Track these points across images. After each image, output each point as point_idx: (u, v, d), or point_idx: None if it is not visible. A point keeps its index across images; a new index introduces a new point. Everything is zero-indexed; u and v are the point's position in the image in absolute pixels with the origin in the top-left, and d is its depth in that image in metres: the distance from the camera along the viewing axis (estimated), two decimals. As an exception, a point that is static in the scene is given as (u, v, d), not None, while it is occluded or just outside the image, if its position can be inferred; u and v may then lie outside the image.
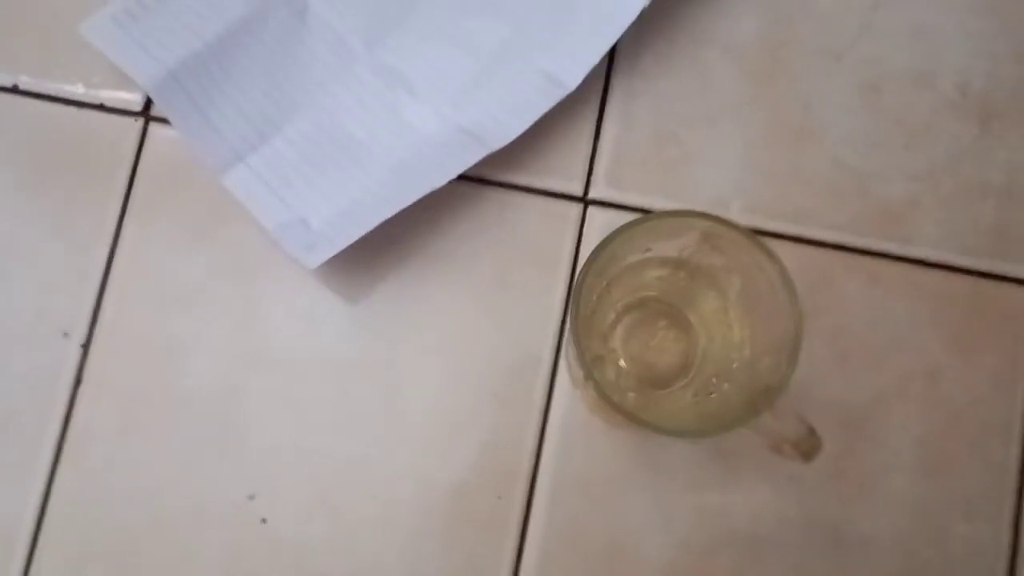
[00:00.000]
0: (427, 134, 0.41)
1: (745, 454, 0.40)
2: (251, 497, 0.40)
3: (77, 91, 0.43)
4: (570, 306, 0.30)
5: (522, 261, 0.41)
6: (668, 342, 0.37)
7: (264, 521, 0.39)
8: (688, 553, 0.39)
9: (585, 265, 0.30)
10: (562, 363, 0.40)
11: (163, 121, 0.43)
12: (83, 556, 0.40)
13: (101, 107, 0.43)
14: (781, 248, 0.36)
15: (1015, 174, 0.42)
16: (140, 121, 0.43)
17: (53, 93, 0.43)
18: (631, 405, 0.30)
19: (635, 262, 0.34)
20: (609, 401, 0.29)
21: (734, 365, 0.35)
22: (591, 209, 0.42)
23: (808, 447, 0.33)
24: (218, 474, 0.40)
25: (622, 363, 0.37)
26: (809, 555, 0.39)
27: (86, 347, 0.41)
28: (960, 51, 0.43)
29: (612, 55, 0.42)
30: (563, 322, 0.41)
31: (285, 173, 0.41)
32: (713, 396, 0.35)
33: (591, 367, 0.30)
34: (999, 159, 0.42)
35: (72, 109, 0.43)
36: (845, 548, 0.39)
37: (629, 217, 0.42)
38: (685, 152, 0.42)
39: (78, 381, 0.41)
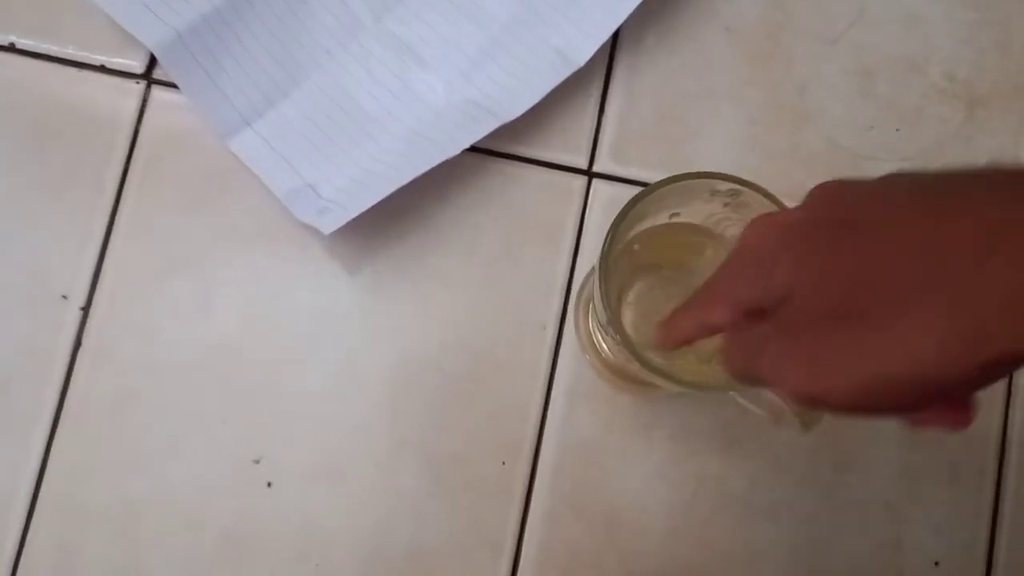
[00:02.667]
0: (436, 104, 0.42)
1: (743, 424, 0.41)
2: (257, 461, 0.40)
3: (77, 52, 0.42)
4: (599, 262, 0.31)
5: (527, 232, 0.42)
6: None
7: (270, 485, 0.39)
8: (688, 518, 0.40)
9: (615, 221, 0.31)
10: (567, 331, 0.41)
11: (165, 85, 0.42)
12: (82, 523, 0.39)
13: (102, 68, 0.42)
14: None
15: (997, 158, 0.44)
16: (142, 84, 0.42)
17: (52, 53, 0.42)
18: (649, 362, 0.31)
19: (657, 226, 0.34)
20: (631, 349, 0.30)
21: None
22: (595, 182, 0.43)
23: (809, 417, 0.34)
24: (222, 438, 0.40)
25: (631, 328, 0.38)
26: (803, 520, 0.40)
27: (86, 310, 0.40)
28: (948, 40, 0.45)
29: (616, 33, 0.43)
30: (568, 291, 0.42)
31: (293, 139, 0.41)
32: (716, 362, 0.36)
33: (619, 323, 0.31)
34: (983, 144, 0.44)
35: (72, 70, 0.42)
36: (837, 514, 0.41)
37: (632, 190, 0.42)
38: (686, 128, 0.43)
39: (77, 345, 0.40)
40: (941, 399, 0.23)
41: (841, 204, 0.24)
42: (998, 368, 0.21)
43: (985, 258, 0.20)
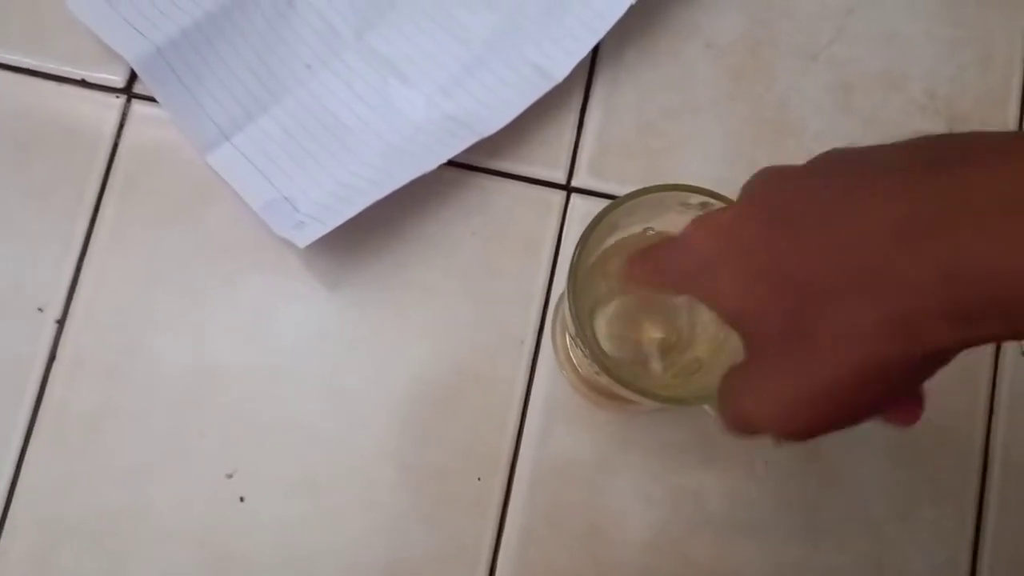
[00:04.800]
0: (416, 120, 0.42)
1: (722, 438, 0.40)
2: (230, 475, 0.39)
3: (58, 66, 0.43)
4: (568, 275, 0.31)
5: (505, 246, 0.42)
6: (653, 323, 0.38)
7: (242, 500, 0.39)
8: (666, 534, 0.40)
9: (584, 233, 0.31)
10: (544, 345, 0.41)
11: (146, 99, 0.42)
12: (55, 536, 0.39)
13: (83, 83, 0.43)
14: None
15: (979, 174, 0.44)
16: (122, 99, 0.43)
17: (34, 67, 0.42)
18: (617, 374, 0.31)
19: (630, 238, 0.34)
20: (599, 362, 0.30)
21: (718, 348, 0.36)
22: (574, 197, 0.42)
23: None
24: (196, 452, 0.39)
25: (605, 341, 0.37)
26: (783, 537, 0.40)
27: (61, 323, 0.40)
28: (928, 57, 0.45)
29: (597, 48, 0.43)
30: (545, 306, 0.41)
31: (271, 153, 0.41)
32: (694, 376, 0.36)
33: (587, 336, 0.31)
34: (964, 159, 0.44)
35: (52, 84, 0.42)
36: (818, 531, 0.40)
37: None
38: (666, 143, 0.43)
39: (52, 358, 0.40)
40: (890, 399, 0.22)
41: (773, 198, 0.23)
42: (934, 358, 0.20)
43: (905, 244, 0.20)
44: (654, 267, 0.27)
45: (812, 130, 0.44)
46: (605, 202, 0.42)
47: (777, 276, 0.22)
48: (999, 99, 0.44)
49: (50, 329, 0.40)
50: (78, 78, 0.42)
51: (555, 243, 0.42)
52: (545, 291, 0.42)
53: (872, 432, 0.41)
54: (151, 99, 0.42)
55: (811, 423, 0.22)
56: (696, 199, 0.32)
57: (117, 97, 0.42)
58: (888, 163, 0.21)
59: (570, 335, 0.35)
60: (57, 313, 0.40)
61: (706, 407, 0.35)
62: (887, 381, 0.21)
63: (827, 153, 0.23)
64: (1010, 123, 0.44)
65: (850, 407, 0.22)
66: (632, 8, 0.42)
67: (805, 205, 0.22)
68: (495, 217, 0.42)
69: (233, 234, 0.41)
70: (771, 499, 0.40)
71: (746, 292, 0.23)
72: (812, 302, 0.21)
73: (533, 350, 0.41)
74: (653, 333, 0.39)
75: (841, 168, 0.22)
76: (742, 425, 0.25)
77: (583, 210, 0.42)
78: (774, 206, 0.23)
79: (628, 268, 0.28)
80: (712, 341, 0.37)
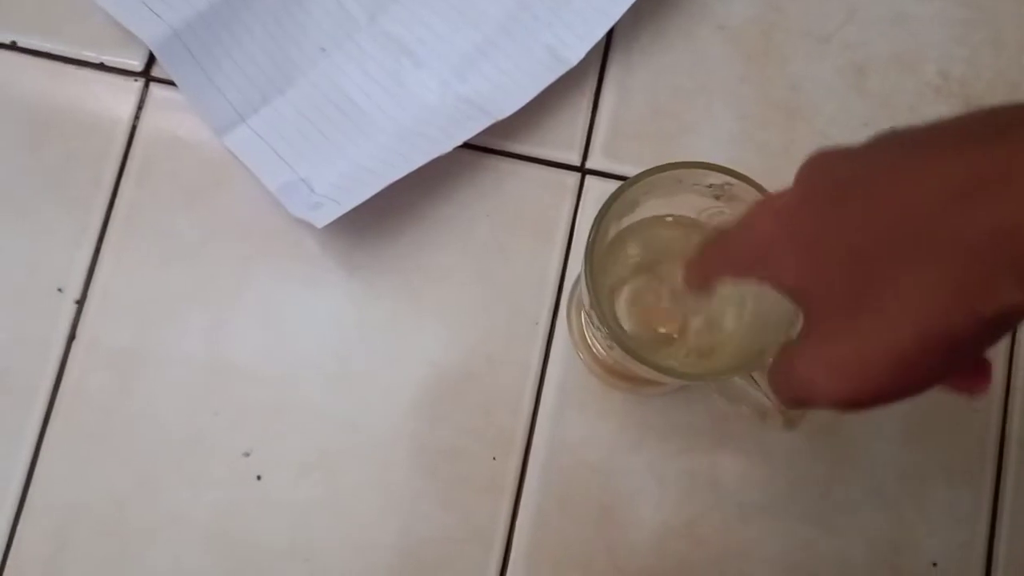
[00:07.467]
0: (430, 102, 0.42)
1: (735, 420, 0.41)
2: (247, 454, 0.39)
3: (77, 50, 0.43)
4: (585, 249, 0.31)
5: (520, 228, 0.42)
6: (671, 305, 0.38)
7: (259, 478, 0.39)
8: (679, 515, 0.40)
9: (600, 211, 0.31)
10: (559, 327, 0.41)
11: (164, 82, 0.43)
12: (71, 516, 0.39)
13: (101, 66, 0.43)
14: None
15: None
16: (140, 82, 0.43)
17: (52, 51, 0.43)
18: (632, 348, 0.31)
19: (651, 221, 0.34)
20: (616, 337, 0.30)
21: (734, 330, 0.36)
22: (588, 179, 0.43)
23: (792, 415, 0.34)
24: (213, 431, 0.40)
25: (624, 323, 0.38)
26: (796, 519, 0.40)
27: (80, 303, 0.41)
28: (941, 39, 0.45)
29: (611, 31, 0.43)
30: (560, 287, 0.42)
31: (287, 134, 0.41)
32: (709, 357, 0.36)
33: (603, 311, 0.31)
34: (978, 141, 0.44)
35: (71, 68, 0.43)
36: (831, 512, 0.40)
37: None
38: (680, 125, 0.43)
39: (72, 337, 0.40)
40: (958, 364, 0.22)
41: (830, 177, 0.24)
42: (1001, 321, 0.20)
43: (965, 204, 0.20)
44: (723, 256, 0.27)
45: (825, 113, 0.44)
46: (619, 184, 0.42)
47: (840, 249, 0.22)
48: (1013, 79, 0.44)
49: (69, 310, 0.41)
50: (96, 62, 0.43)
51: (569, 225, 0.42)
52: (560, 272, 0.42)
53: (887, 412, 0.41)
54: (169, 83, 0.42)
55: (876, 389, 0.22)
56: (713, 177, 0.32)
57: (135, 81, 0.43)
58: (943, 133, 0.21)
59: (585, 312, 0.35)
60: (76, 294, 0.41)
61: (716, 395, 0.35)
62: (955, 345, 0.21)
63: (881, 133, 0.23)
64: (1024, 104, 0.44)
65: (917, 373, 0.21)
66: (646, -9, 0.42)
67: (862, 179, 0.22)
68: (510, 199, 0.42)
69: (250, 217, 0.42)
70: (784, 480, 0.40)
71: (810, 267, 0.23)
72: (876, 271, 0.21)
73: (548, 332, 0.41)
74: (669, 315, 0.39)
75: (895, 143, 0.23)
76: (799, 393, 0.24)
77: (597, 192, 0.42)
78: (832, 184, 0.23)
79: (699, 260, 0.28)
80: (727, 323, 0.37)
